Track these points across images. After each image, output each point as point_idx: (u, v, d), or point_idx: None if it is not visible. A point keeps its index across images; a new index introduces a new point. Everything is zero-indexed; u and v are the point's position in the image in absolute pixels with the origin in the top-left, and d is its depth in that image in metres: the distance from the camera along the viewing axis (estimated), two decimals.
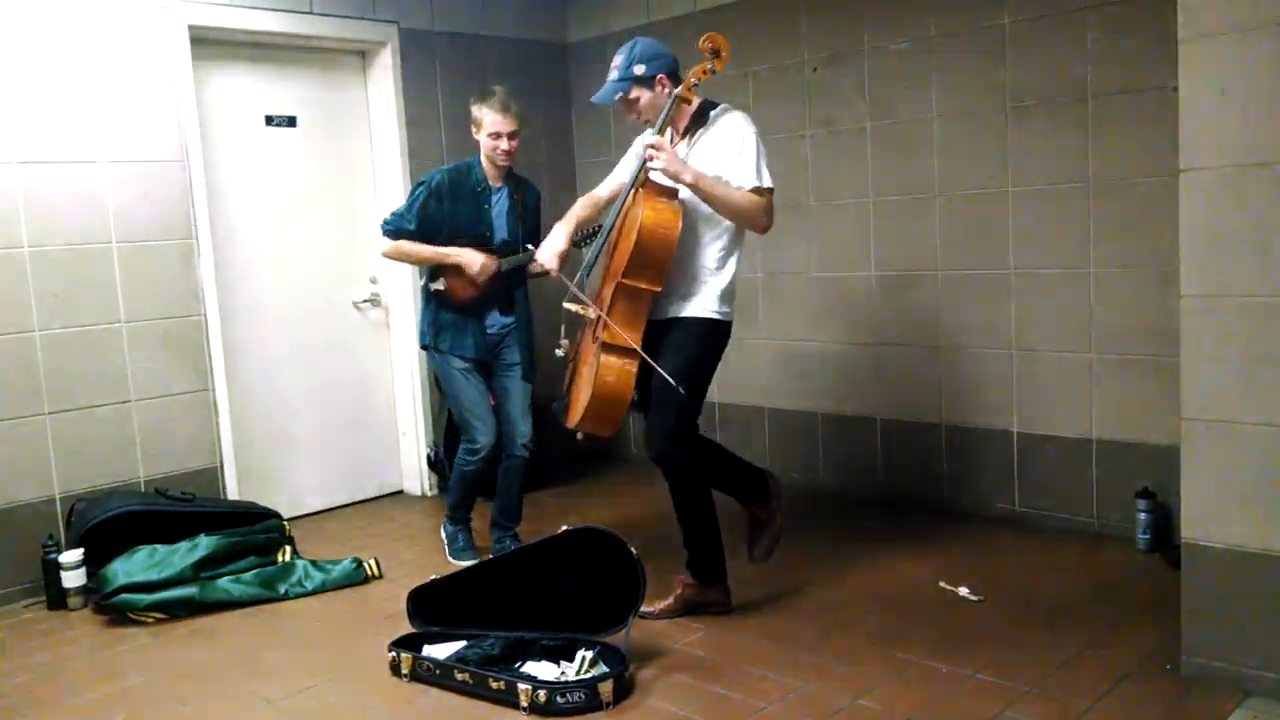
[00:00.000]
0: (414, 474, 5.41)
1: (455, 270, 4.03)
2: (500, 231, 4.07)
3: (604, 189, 3.67)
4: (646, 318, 3.28)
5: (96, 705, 3.12)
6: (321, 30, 4.90)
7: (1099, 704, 2.77)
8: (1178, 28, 2.73)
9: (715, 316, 3.36)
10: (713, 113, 3.36)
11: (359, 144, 5.24)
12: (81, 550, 3.94)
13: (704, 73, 3.27)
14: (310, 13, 4.84)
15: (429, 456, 5.33)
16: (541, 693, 2.87)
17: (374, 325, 5.34)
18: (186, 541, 3.95)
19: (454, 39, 5.39)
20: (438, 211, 4.00)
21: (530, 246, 4.00)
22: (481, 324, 4.11)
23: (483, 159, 4.05)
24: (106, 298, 4.26)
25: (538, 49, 5.78)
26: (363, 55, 5.22)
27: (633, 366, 3.25)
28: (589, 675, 2.96)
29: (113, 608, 3.75)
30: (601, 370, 3.23)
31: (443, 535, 4.37)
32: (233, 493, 4.62)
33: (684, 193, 3.28)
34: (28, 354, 4.06)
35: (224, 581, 3.90)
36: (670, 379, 3.16)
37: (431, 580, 3.39)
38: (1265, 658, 2.75)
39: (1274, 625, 2.73)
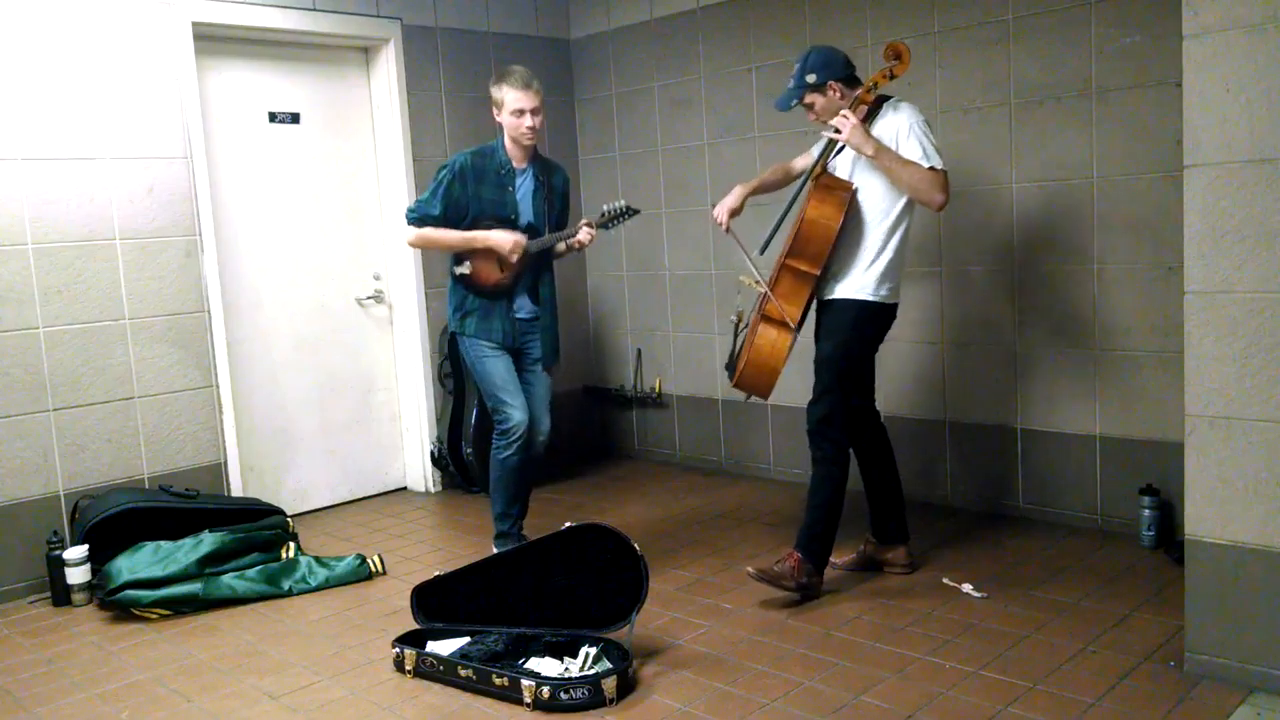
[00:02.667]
0: (417, 470, 5.41)
1: (482, 254, 3.92)
2: (526, 214, 3.98)
3: (797, 161, 3.88)
4: (808, 296, 3.56)
5: (101, 701, 3.12)
6: (325, 26, 4.90)
7: (1102, 700, 2.77)
8: (1182, 23, 2.72)
9: (867, 298, 3.54)
10: (886, 105, 3.56)
11: (362, 140, 5.24)
12: (86, 547, 3.95)
13: (883, 77, 3.50)
14: (314, 9, 4.84)
15: (432, 453, 5.34)
16: (545, 689, 2.87)
17: (378, 322, 5.34)
18: (190, 538, 3.96)
19: (457, 35, 5.39)
20: (462, 195, 3.90)
21: (601, 225, 4.07)
22: (510, 309, 4.00)
23: (506, 141, 3.95)
24: (110, 294, 4.27)
25: (540, 45, 5.78)
26: (366, 51, 5.22)
27: (787, 339, 3.57)
28: (592, 671, 2.96)
29: (117, 604, 3.76)
30: (759, 339, 3.59)
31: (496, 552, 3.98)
32: (236, 489, 4.63)
33: (859, 177, 3.52)
34: (32, 350, 4.07)
35: (228, 578, 3.91)
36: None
37: (435, 577, 3.40)
38: (1269, 654, 2.75)
39: (1278, 621, 2.73)
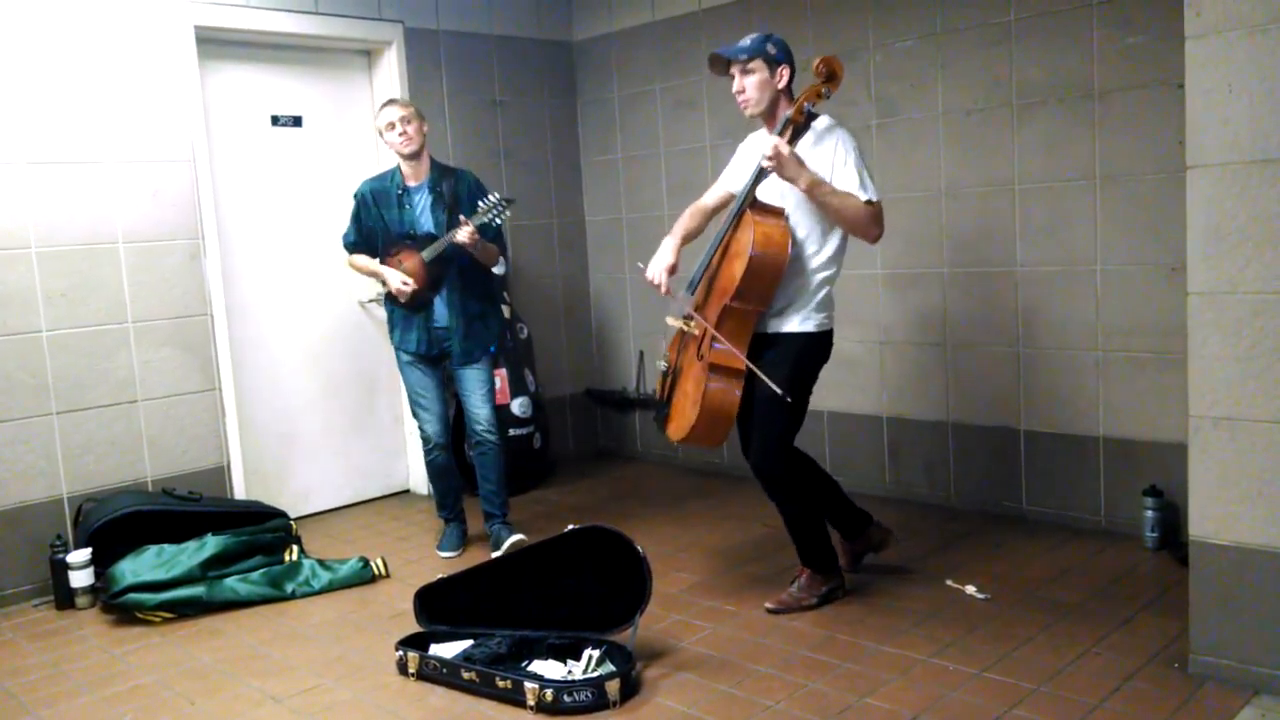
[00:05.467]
0: (420, 473, 5.40)
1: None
2: (424, 227, 4.23)
3: (710, 198, 3.64)
4: (751, 335, 3.33)
5: (104, 704, 3.13)
6: (327, 30, 4.91)
7: (1106, 702, 2.76)
8: (1184, 24, 2.72)
9: (813, 330, 3.39)
10: (814, 124, 3.32)
11: (365, 143, 5.24)
12: (89, 550, 3.95)
13: (816, 95, 3.24)
14: (316, 12, 4.85)
15: None
16: (548, 692, 2.87)
17: (380, 324, 5.32)
18: (194, 541, 3.96)
19: (459, 38, 5.40)
20: (368, 219, 4.27)
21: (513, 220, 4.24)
22: (429, 319, 4.26)
23: (398, 161, 4.26)
24: (113, 297, 4.27)
25: (543, 48, 5.78)
26: (368, 54, 5.22)
27: (739, 386, 3.30)
28: (596, 674, 2.96)
29: (120, 607, 3.76)
30: (710, 390, 3.30)
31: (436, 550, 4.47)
32: (240, 492, 4.64)
33: (788, 202, 3.32)
34: (35, 354, 4.08)
35: (231, 581, 3.91)
36: (778, 389, 3.19)
37: (438, 579, 3.40)
38: (1274, 655, 2.74)
39: None
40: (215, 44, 4.65)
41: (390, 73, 5.16)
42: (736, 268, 3.23)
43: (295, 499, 4.96)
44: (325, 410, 5.14)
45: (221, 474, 4.59)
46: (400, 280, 4.13)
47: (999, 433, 4.41)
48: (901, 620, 3.39)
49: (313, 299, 5.08)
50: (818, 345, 3.43)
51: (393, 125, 4.13)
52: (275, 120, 4.94)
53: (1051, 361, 4.23)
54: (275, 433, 4.95)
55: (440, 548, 4.39)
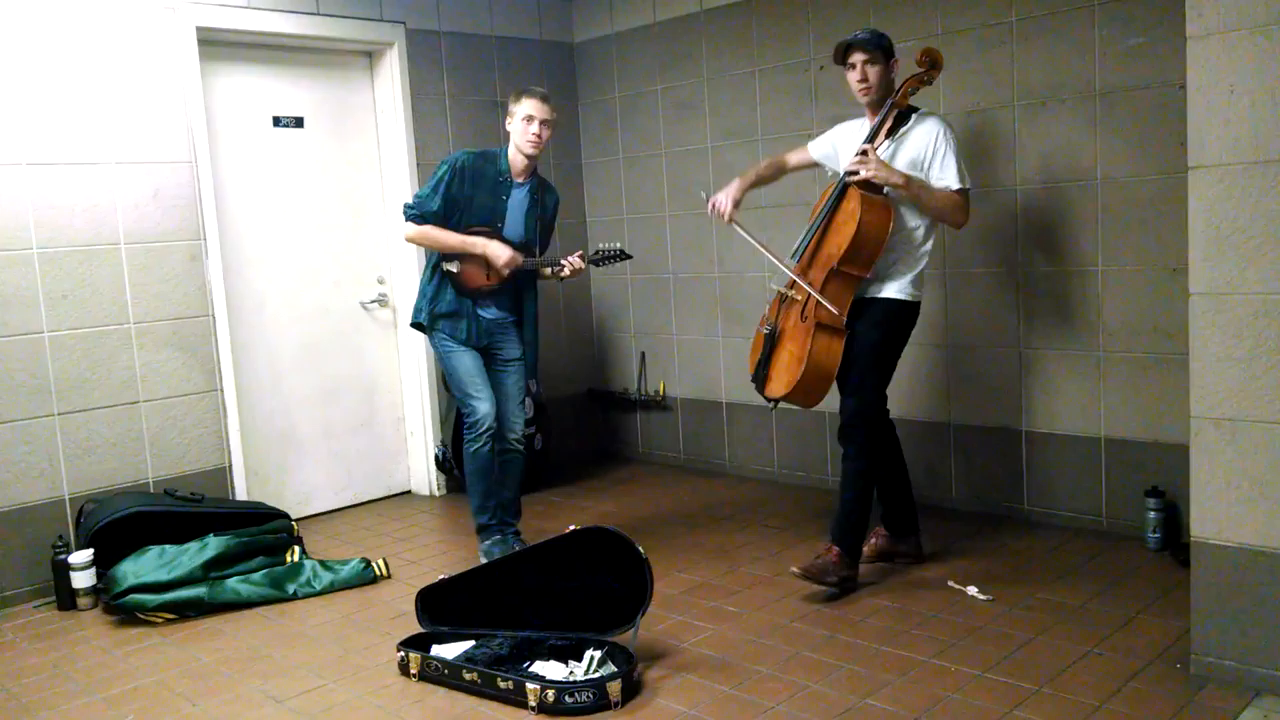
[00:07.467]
0: (422, 474, 5.41)
1: (472, 257, 4.01)
2: (513, 227, 4.07)
3: (792, 156, 3.99)
4: (851, 299, 3.62)
5: (106, 705, 3.13)
6: (328, 31, 4.91)
7: (1108, 703, 2.76)
8: (1186, 25, 2.72)
9: (906, 298, 3.67)
10: (914, 115, 3.62)
11: (366, 144, 5.25)
12: (91, 551, 3.95)
13: (918, 83, 3.57)
14: (317, 14, 4.85)
15: (437, 457, 5.33)
16: (550, 692, 2.87)
17: (382, 325, 5.34)
18: (195, 542, 3.96)
19: (461, 39, 5.40)
20: (459, 193, 3.98)
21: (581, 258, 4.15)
22: (477, 312, 4.11)
23: (511, 151, 4.05)
24: (115, 298, 4.27)
25: (544, 48, 5.79)
26: (370, 56, 5.23)
27: (840, 344, 3.62)
28: (597, 675, 2.96)
29: (122, 608, 3.77)
30: (815, 348, 3.60)
31: (480, 557, 4.11)
32: (241, 493, 4.64)
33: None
34: (37, 355, 4.08)
35: (233, 582, 3.91)
36: (834, 308, 3.53)
37: (440, 580, 3.40)
38: (1275, 656, 2.74)
39: None
40: (217, 45, 4.65)
41: (392, 74, 5.16)
42: (845, 234, 3.52)
43: (297, 500, 4.96)
44: (326, 411, 5.15)
45: (223, 475, 4.59)
46: (509, 255, 3.96)
47: (1000, 433, 4.41)
48: (903, 621, 3.39)
49: (314, 299, 5.09)
50: (909, 313, 3.70)
51: (531, 119, 3.95)
52: (277, 121, 4.94)
53: (1052, 362, 4.23)
54: (277, 434, 4.95)
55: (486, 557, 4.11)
